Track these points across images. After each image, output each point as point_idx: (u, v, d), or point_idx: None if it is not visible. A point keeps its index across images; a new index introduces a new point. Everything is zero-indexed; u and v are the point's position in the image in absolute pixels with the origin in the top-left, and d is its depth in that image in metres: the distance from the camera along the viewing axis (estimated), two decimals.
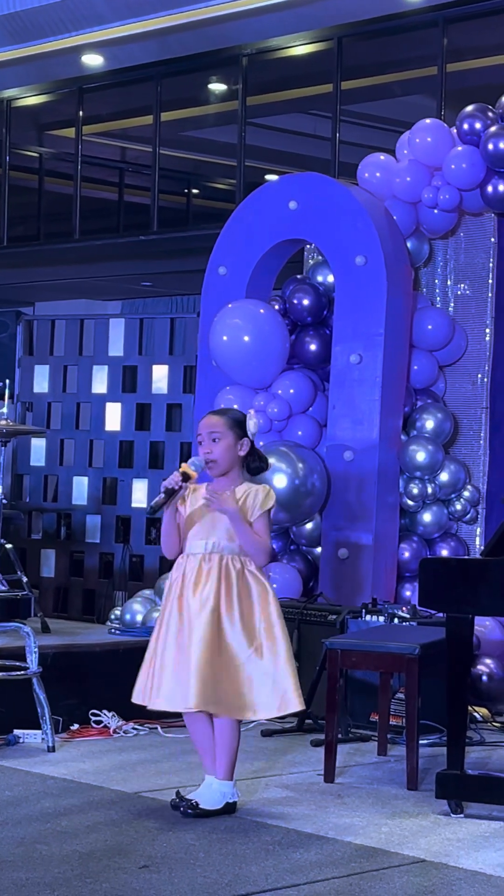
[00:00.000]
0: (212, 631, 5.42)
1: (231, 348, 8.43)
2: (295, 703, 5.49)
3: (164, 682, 5.47)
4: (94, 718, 7.12)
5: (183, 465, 5.58)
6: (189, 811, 5.41)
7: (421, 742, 6.33)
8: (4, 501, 8.61)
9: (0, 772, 6.14)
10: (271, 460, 8.03)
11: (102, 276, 16.05)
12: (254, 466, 5.66)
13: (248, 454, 5.63)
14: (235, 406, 8.45)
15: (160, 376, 11.15)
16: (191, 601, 5.48)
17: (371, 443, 8.21)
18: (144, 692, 5.55)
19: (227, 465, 5.59)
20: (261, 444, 8.35)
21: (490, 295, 8.70)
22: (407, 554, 8.43)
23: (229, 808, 5.48)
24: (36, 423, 11.54)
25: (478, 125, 8.27)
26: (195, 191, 15.69)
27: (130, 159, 15.54)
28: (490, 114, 8.31)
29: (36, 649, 6.68)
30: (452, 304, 8.81)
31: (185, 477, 5.54)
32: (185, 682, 5.39)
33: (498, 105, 8.36)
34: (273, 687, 5.47)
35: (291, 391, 8.48)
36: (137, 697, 5.60)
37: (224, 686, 5.41)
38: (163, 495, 5.53)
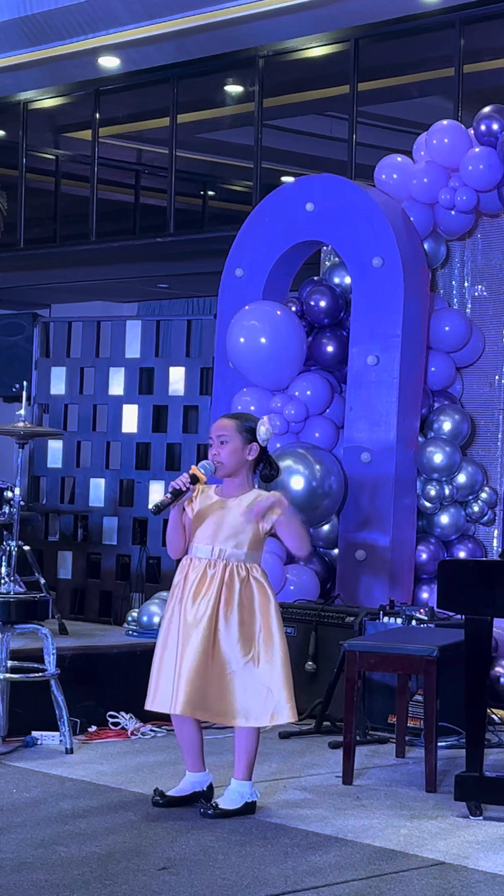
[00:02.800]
0: (205, 641, 5.47)
1: (248, 350, 8.43)
2: (287, 715, 5.52)
3: (160, 685, 5.55)
4: (111, 720, 7.13)
5: (193, 467, 5.58)
6: (209, 811, 5.42)
7: (439, 744, 6.32)
8: (22, 503, 8.60)
9: (18, 773, 6.15)
10: (288, 462, 8.06)
11: (119, 278, 16.06)
12: (264, 474, 5.66)
13: (260, 461, 5.63)
14: (252, 408, 8.45)
15: (177, 378, 11.14)
16: (188, 609, 5.52)
17: (388, 444, 8.20)
18: (148, 695, 5.63)
19: (232, 467, 5.59)
20: (277, 445, 8.35)
21: None
22: (424, 556, 8.42)
23: (249, 808, 5.51)
24: (53, 424, 11.55)
25: (495, 126, 8.26)
26: (211, 193, 15.70)
27: (147, 161, 15.54)
28: None
29: (54, 651, 6.69)
30: (469, 306, 8.81)
31: (194, 479, 5.54)
32: (174, 687, 5.46)
33: None
34: (266, 696, 5.50)
35: (308, 393, 8.48)
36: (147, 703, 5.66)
37: (214, 693, 5.47)
38: (169, 495, 5.53)
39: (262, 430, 5.60)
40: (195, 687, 5.44)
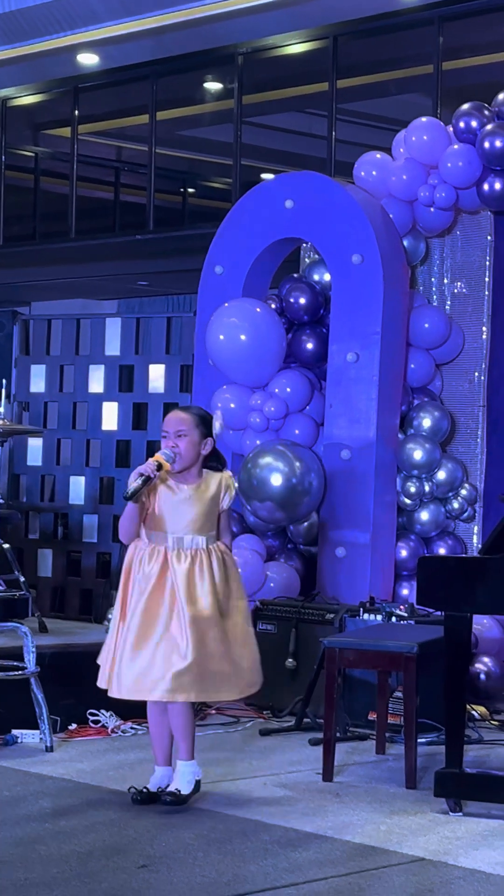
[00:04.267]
0: (206, 628, 5.58)
1: (228, 347, 8.42)
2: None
3: (127, 670, 5.58)
4: (91, 718, 7.12)
5: (157, 455, 5.65)
6: (168, 798, 5.50)
7: (419, 740, 6.33)
8: (1, 501, 8.60)
9: None
10: (268, 459, 8.06)
11: (98, 276, 16.04)
12: (211, 465, 5.78)
13: (210, 455, 5.75)
14: (232, 406, 8.45)
15: (157, 375, 11.13)
16: (185, 605, 5.56)
17: (368, 441, 8.21)
18: (115, 681, 5.64)
19: (189, 461, 5.69)
20: (257, 442, 8.35)
21: (486, 293, 8.70)
22: (404, 552, 8.42)
23: (197, 787, 5.61)
24: (32, 422, 11.52)
25: (474, 123, 8.26)
26: (191, 190, 15.69)
27: (126, 158, 15.53)
28: (486, 112, 8.30)
29: (33, 649, 6.68)
30: (449, 303, 8.81)
31: (159, 466, 5.60)
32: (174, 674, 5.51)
33: (494, 103, 8.35)
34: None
35: (288, 390, 8.47)
36: (104, 683, 5.70)
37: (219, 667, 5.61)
38: (140, 482, 5.56)
39: (217, 425, 5.75)
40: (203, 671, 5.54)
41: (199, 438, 5.68)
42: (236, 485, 5.85)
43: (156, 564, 5.63)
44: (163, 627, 5.56)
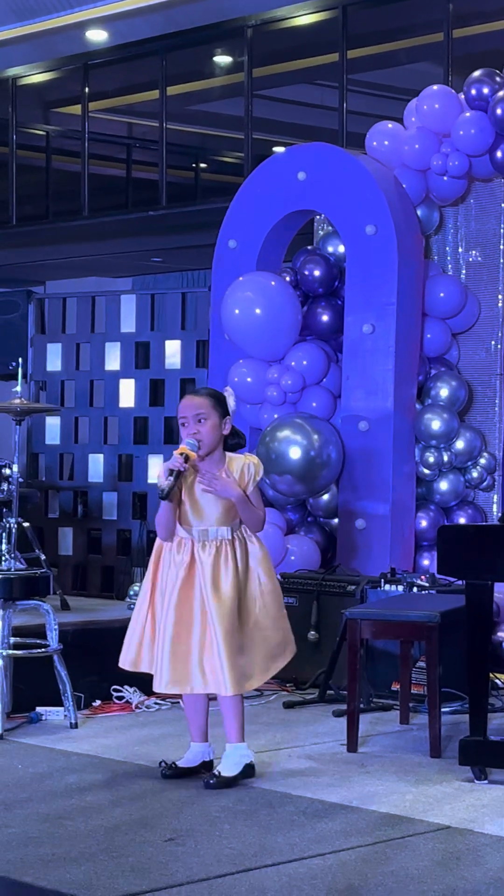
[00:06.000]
0: (231, 618, 5.50)
1: (243, 321, 8.41)
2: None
3: (172, 664, 5.53)
4: (115, 694, 7.14)
5: (181, 446, 5.57)
6: (211, 781, 5.44)
7: (443, 710, 6.33)
8: (21, 480, 8.60)
9: (24, 749, 6.16)
10: (286, 432, 8.06)
11: (112, 253, 16.02)
12: (232, 443, 5.69)
13: (228, 433, 5.67)
14: (249, 380, 8.45)
15: (173, 351, 11.14)
16: (210, 595, 5.50)
17: (386, 412, 8.20)
18: (154, 669, 5.61)
19: (213, 445, 5.60)
20: (275, 416, 8.35)
21: (501, 261, 8.66)
22: (424, 523, 8.42)
23: (249, 771, 5.54)
24: (50, 401, 11.54)
25: (486, 90, 8.22)
26: (203, 165, 15.65)
27: (137, 135, 15.50)
28: (498, 79, 8.26)
29: (56, 627, 6.70)
30: (464, 272, 8.78)
31: (185, 458, 5.54)
32: (217, 671, 5.48)
33: None
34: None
35: (305, 363, 8.46)
36: (128, 664, 5.70)
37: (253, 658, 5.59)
38: (171, 479, 5.51)
39: (231, 402, 5.66)
40: (236, 664, 5.50)
41: (220, 419, 5.59)
42: (262, 471, 5.68)
43: (185, 554, 5.57)
44: (198, 622, 5.50)
